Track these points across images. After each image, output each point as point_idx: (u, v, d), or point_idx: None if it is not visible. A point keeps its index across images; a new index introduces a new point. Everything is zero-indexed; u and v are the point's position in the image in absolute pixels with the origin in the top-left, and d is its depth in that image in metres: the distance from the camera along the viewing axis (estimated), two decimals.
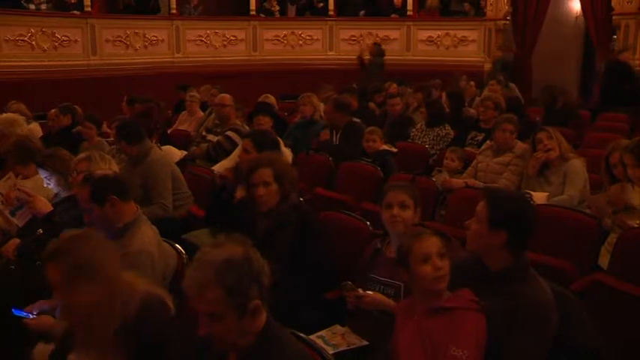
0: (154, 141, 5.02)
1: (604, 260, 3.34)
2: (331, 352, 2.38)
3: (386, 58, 11.09)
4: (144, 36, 11.00)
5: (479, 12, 11.99)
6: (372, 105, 7.82)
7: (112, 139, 5.27)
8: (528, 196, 3.78)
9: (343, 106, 5.74)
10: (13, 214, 3.56)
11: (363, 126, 5.70)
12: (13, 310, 2.69)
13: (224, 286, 1.65)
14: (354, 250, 3.04)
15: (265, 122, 5.45)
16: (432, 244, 2.18)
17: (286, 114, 7.79)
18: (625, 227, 3.30)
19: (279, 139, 4.41)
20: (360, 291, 2.56)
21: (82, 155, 3.61)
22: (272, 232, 3.03)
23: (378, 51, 10.92)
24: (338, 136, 5.65)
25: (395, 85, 8.60)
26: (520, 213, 2.20)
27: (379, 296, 2.57)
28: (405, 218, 2.65)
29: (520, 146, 4.48)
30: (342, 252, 3.20)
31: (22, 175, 3.84)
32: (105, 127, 5.91)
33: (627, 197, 3.44)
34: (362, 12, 12.64)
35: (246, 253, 1.72)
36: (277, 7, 12.72)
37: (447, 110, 6.49)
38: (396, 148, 5.34)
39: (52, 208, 3.33)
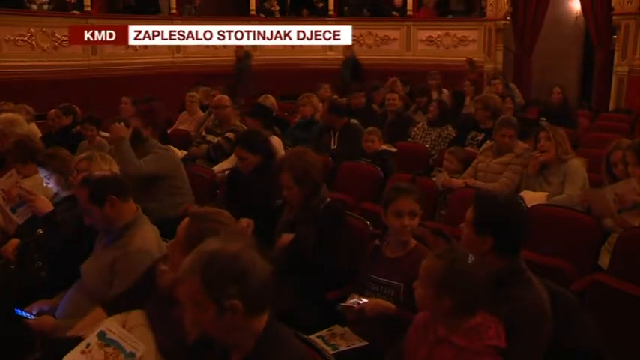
0: None
1: (604, 260, 3.34)
2: (331, 352, 2.39)
3: (386, 58, 11.04)
4: None
5: (478, 11, 11.99)
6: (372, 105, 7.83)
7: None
8: (520, 200, 3.77)
9: (337, 108, 5.73)
10: (14, 211, 3.56)
11: (361, 127, 5.70)
12: (15, 309, 2.70)
13: (202, 278, 1.63)
14: (354, 250, 3.03)
15: (254, 125, 5.31)
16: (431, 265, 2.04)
17: (286, 114, 7.79)
18: (626, 227, 3.29)
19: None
20: (358, 302, 2.53)
21: (82, 155, 3.60)
22: (296, 223, 3.14)
23: (243, 53, 11.00)
24: (336, 136, 5.66)
25: None
26: (505, 219, 2.18)
27: (379, 302, 2.55)
28: (414, 226, 2.68)
29: (520, 146, 4.47)
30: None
31: (22, 174, 3.84)
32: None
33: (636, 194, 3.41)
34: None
35: (239, 250, 1.67)
36: (277, 7, 12.72)
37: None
38: (395, 147, 5.34)
39: (52, 208, 3.33)
